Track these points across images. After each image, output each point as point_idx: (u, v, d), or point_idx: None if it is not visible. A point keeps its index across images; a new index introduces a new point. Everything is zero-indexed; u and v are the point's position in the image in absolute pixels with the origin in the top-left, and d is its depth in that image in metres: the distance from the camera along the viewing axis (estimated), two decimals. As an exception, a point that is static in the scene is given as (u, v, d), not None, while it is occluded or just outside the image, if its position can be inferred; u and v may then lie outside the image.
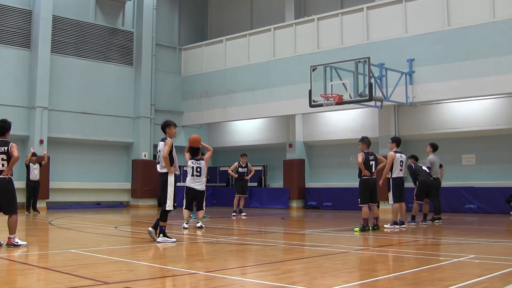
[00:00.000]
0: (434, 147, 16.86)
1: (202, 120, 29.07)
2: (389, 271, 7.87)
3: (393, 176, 14.77)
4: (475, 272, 7.41)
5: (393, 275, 7.31)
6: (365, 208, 13.98)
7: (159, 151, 11.35)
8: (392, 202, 14.80)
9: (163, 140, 11.33)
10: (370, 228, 13.89)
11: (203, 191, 14.56)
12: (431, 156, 16.61)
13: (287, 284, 6.53)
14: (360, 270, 8.11)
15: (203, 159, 14.57)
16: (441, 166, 16.70)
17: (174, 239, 11.09)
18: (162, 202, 11.21)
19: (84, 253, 9.39)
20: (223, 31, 30.01)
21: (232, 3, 31.34)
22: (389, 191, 14.81)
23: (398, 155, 14.88)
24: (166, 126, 11.50)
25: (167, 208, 11.01)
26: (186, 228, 14.15)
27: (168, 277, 7.24)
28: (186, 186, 14.49)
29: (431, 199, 16.46)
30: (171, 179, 11.08)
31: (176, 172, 11.23)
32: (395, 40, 21.51)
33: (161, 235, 11.04)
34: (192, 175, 14.33)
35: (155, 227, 11.17)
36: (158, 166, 11.36)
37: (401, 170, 14.87)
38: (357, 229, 13.78)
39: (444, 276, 7.09)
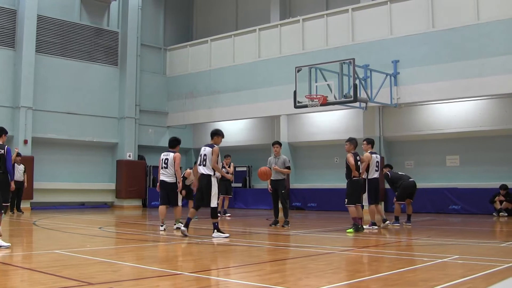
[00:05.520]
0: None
1: (187, 121, 29.05)
2: (374, 271, 7.88)
3: (369, 177, 14.80)
4: (459, 273, 7.45)
5: (377, 275, 7.34)
6: (352, 208, 14.00)
7: (204, 155, 12.37)
8: (368, 204, 14.88)
9: (211, 146, 12.45)
10: (363, 227, 13.94)
11: (172, 183, 14.12)
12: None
13: (271, 285, 6.53)
14: (344, 270, 8.13)
15: (174, 152, 14.36)
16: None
17: (228, 234, 12.15)
18: (205, 201, 12.17)
19: (68, 254, 9.35)
20: (208, 32, 29.95)
21: (217, 4, 31.32)
22: (364, 192, 14.84)
23: (374, 155, 14.93)
24: (214, 134, 12.75)
25: (212, 206, 12.08)
26: (161, 230, 14.04)
27: (152, 277, 7.23)
28: (159, 180, 14.40)
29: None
30: (214, 180, 12.17)
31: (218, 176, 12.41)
32: (380, 42, 21.58)
33: (215, 230, 12.13)
34: (161, 167, 14.25)
35: (186, 225, 12.30)
36: (200, 167, 12.30)
37: (376, 171, 14.88)
38: (350, 230, 13.73)
39: (428, 277, 7.12)
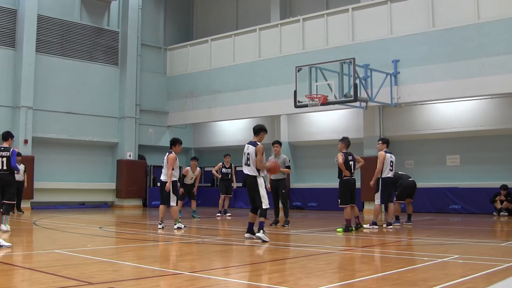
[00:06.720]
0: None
1: (187, 120, 29.08)
2: (374, 271, 7.88)
3: (383, 176, 14.82)
4: (459, 272, 7.44)
5: (377, 275, 7.34)
6: (347, 208, 14.02)
7: (247, 153, 11.65)
8: (379, 203, 14.86)
9: (254, 144, 11.66)
10: (353, 228, 13.96)
11: (165, 181, 14.29)
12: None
13: (271, 285, 6.53)
14: (344, 270, 8.12)
15: (170, 152, 14.43)
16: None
17: (268, 240, 11.22)
18: (257, 203, 11.56)
19: (69, 254, 9.35)
20: (209, 31, 29.97)
21: (217, 3, 31.30)
22: (377, 191, 14.84)
23: (388, 155, 14.95)
24: (260, 130, 11.87)
25: (263, 207, 11.43)
26: (159, 228, 14.23)
27: (152, 277, 7.23)
28: None
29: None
30: (260, 181, 11.54)
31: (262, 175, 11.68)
32: (380, 41, 21.57)
33: (261, 231, 11.31)
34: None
35: (250, 231, 11.75)
36: (244, 168, 11.69)
37: (391, 170, 14.92)
38: (340, 229, 13.82)
39: (428, 276, 7.12)
